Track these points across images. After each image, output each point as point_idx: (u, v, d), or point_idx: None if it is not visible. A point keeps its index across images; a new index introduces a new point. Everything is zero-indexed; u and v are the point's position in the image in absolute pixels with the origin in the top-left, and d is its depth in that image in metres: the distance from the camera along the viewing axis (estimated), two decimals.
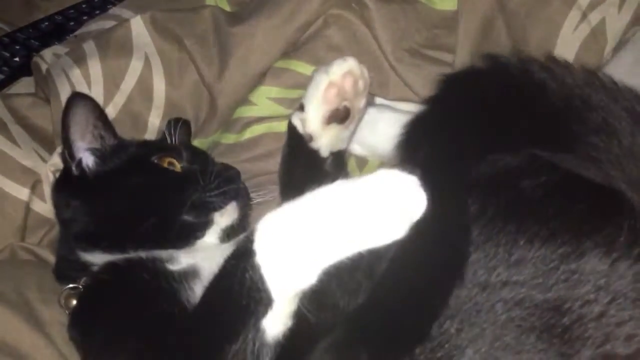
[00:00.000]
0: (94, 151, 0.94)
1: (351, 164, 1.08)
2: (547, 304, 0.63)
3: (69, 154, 0.93)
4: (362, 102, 0.91)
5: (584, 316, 0.62)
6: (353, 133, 0.95)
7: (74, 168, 0.94)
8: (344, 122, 0.90)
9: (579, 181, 0.70)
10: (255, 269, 0.65)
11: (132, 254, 0.86)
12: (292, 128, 0.91)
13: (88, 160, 0.94)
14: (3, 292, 0.91)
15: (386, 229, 0.63)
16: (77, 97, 0.95)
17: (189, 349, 0.69)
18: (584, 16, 1.07)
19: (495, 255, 0.65)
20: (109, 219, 0.91)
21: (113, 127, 0.99)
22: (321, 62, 1.06)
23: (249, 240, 0.67)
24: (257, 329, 0.65)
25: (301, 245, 0.64)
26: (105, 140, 0.96)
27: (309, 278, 0.64)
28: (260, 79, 1.10)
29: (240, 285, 0.65)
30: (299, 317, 0.68)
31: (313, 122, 0.89)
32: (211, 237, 0.92)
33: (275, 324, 0.66)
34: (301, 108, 0.90)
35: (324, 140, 0.90)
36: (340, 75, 0.87)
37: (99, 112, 0.97)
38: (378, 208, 0.63)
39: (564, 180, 0.71)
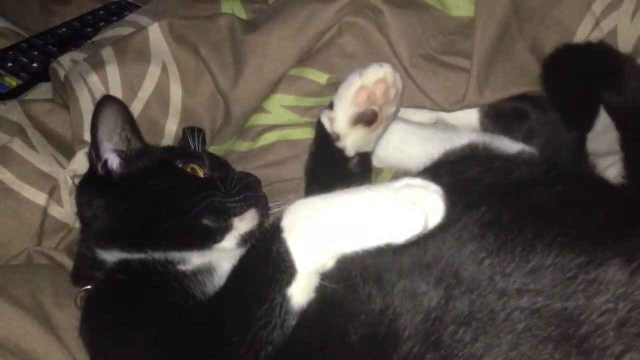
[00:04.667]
0: (119, 153, 0.97)
1: None
2: (565, 313, 0.62)
3: (95, 154, 0.96)
4: (391, 109, 0.91)
5: (603, 325, 0.61)
6: (380, 137, 0.95)
7: (99, 168, 0.96)
8: (371, 125, 0.90)
9: (597, 190, 0.70)
10: (281, 242, 0.72)
11: (147, 254, 0.88)
12: (320, 125, 0.92)
13: (114, 161, 0.96)
14: (18, 296, 0.92)
15: (402, 229, 0.68)
16: (107, 100, 0.97)
17: (210, 331, 0.74)
18: (597, 23, 1.07)
19: (511, 262, 0.65)
20: (130, 218, 0.93)
21: (140, 131, 1.01)
22: (335, 70, 1.07)
23: (278, 220, 0.73)
24: (283, 296, 0.72)
25: (323, 231, 0.71)
26: (131, 143, 0.98)
27: (327, 260, 0.72)
28: (274, 86, 1.10)
29: (266, 257, 0.72)
30: (322, 292, 0.73)
31: (340, 122, 0.90)
32: (229, 242, 0.94)
33: (299, 293, 0.72)
34: (330, 106, 0.90)
35: (350, 141, 0.91)
36: (373, 81, 0.87)
37: (128, 116, 0.99)
38: (398, 209, 0.68)
39: (582, 188, 0.70)
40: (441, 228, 0.67)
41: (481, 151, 0.85)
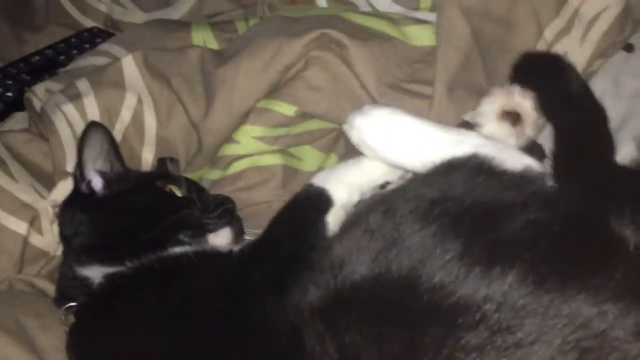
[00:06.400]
0: (103, 174, 1.02)
1: None
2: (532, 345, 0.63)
3: (80, 175, 1.01)
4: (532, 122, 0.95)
5: (566, 353, 0.62)
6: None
7: (83, 187, 1.01)
8: (515, 126, 0.94)
9: (568, 223, 0.72)
10: (315, 187, 0.91)
11: (128, 265, 0.92)
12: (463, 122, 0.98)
13: (97, 181, 1.02)
14: (1, 320, 0.95)
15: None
16: (94, 125, 1.04)
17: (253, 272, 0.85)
18: (549, 48, 1.13)
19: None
20: (111, 232, 0.97)
21: (122, 156, 1.07)
22: (302, 103, 1.11)
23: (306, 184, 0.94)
24: (324, 222, 0.89)
25: (340, 175, 0.93)
26: (114, 166, 1.04)
27: (352, 194, 0.92)
28: (243, 118, 1.14)
29: (307, 198, 0.92)
30: None
31: (485, 113, 0.95)
32: None
33: (332, 222, 0.89)
34: None
35: (487, 130, 0.94)
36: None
37: (112, 141, 1.05)
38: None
39: (554, 221, 0.72)
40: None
41: (480, 165, 0.81)
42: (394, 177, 0.93)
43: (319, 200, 0.90)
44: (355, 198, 0.92)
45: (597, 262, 0.68)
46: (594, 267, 0.67)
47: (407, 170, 0.92)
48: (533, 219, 0.72)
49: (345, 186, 0.92)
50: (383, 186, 0.95)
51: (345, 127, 0.94)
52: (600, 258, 0.68)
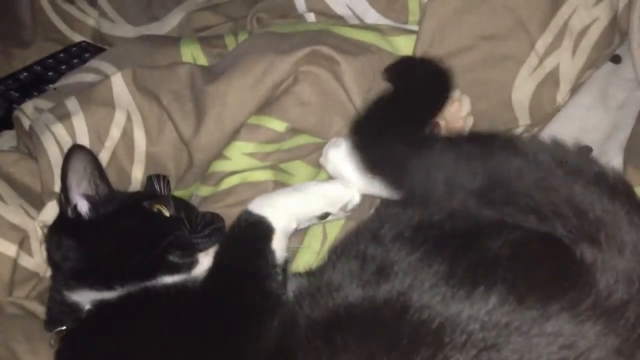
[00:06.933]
0: (88, 198, 1.01)
1: None
2: None
3: (65, 199, 1.00)
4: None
5: None
6: None
7: (69, 211, 1.00)
8: None
9: (546, 241, 0.74)
10: (253, 215, 0.95)
11: (117, 291, 0.92)
12: None
13: (83, 205, 1.00)
14: None
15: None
16: (77, 148, 1.03)
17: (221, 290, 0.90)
18: (541, 61, 1.14)
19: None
20: (98, 256, 0.96)
21: (107, 178, 1.06)
22: (292, 119, 1.11)
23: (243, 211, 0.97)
24: (270, 250, 0.93)
25: (280, 202, 0.99)
26: (99, 188, 1.03)
27: (291, 222, 0.97)
28: (234, 134, 1.13)
29: (247, 227, 0.95)
30: None
31: None
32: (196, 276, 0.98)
33: (279, 249, 0.93)
34: None
35: None
36: None
37: (96, 164, 1.04)
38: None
39: (531, 240, 0.74)
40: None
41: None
42: (333, 209, 1.00)
43: (260, 229, 0.94)
44: (293, 225, 0.97)
45: (575, 279, 0.70)
46: (573, 285, 0.69)
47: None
48: (511, 238, 0.74)
49: (283, 213, 0.96)
50: (323, 217, 1.02)
51: (322, 160, 0.99)
52: (577, 276, 0.70)
